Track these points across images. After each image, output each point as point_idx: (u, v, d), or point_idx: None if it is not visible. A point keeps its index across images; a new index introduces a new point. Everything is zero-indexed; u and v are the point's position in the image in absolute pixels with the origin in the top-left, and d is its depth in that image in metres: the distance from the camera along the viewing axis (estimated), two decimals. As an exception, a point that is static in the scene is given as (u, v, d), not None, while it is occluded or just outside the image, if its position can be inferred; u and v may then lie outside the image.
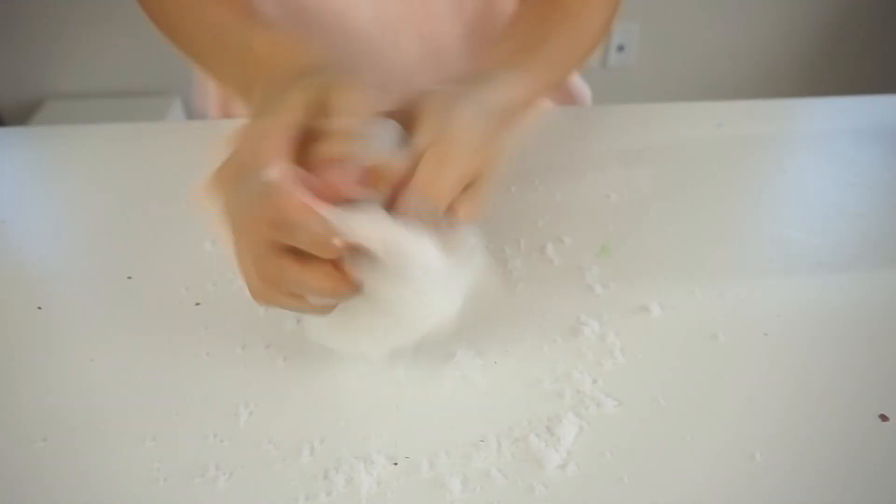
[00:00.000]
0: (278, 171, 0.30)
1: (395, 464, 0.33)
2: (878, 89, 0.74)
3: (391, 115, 0.38)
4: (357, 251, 0.32)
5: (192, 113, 0.61)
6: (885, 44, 1.79)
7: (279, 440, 0.34)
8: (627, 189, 0.53)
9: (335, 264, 0.32)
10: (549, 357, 0.39)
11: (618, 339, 0.40)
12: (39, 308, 0.42)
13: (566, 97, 0.71)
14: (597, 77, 1.80)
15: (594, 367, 0.38)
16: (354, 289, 0.33)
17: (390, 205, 0.33)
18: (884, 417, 0.35)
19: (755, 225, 0.50)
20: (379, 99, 0.39)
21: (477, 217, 0.35)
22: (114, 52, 1.60)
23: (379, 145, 0.34)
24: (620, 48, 1.75)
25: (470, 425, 0.35)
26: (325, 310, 0.35)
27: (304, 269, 0.31)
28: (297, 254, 0.32)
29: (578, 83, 0.72)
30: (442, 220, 0.33)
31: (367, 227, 0.31)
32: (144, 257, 0.47)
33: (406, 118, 0.37)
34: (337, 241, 0.31)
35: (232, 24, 0.43)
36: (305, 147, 0.32)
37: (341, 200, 0.31)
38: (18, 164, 0.59)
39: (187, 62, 0.49)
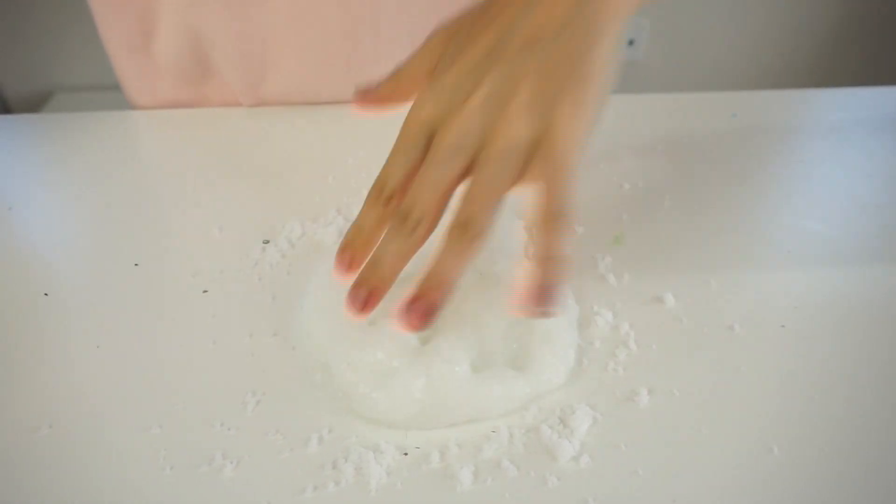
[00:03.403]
0: None
1: (405, 454, 0.32)
2: (896, 81, 0.73)
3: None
4: None
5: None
6: (901, 36, 1.76)
7: (287, 429, 0.34)
8: (641, 179, 0.52)
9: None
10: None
11: (632, 329, 0.39)
12: (46, 294, 0.42)
13: None
14: (606, 71, 1.78)
15: (608, 357, 0.37)
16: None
17: None
18: (905, 411, 0.34)
19: (771, 215, 0.49)
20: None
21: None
22: (123, 45, 1.59)
23: None
24: (630, 42, 1.73)
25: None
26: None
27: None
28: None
29: None
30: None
31: None
32: (151, 244, 0.46)
33: None
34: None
35: None
36: None
37: None
38: (26, 151, 0.59)
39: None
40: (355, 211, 0.47)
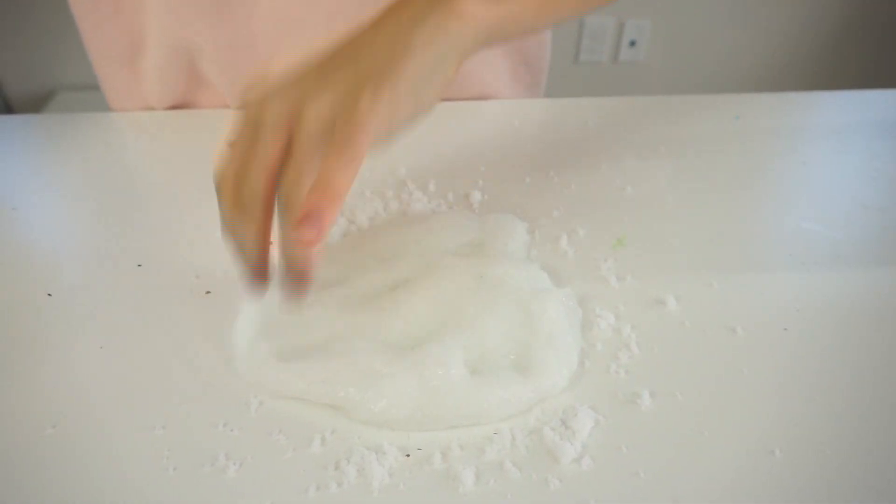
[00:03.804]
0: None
1: (408, 455, 0.32)
2: (899, 83, 0.73)
3: None
4: None
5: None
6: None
7: (290, 430, 0.34)
8: (643, 181, 0.52)
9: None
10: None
11: (633, 332, 0.39)
12: (49, 295, 0.42)
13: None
14: (607, 72, 1.78)
15: (610, 360, 0.37)
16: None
17: None
18: (907, 414, 0.34)
19: (774, 218, 0.49)
20: None
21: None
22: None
23: None
24: (632, 43, 1.74)
25: (483, 417, 0.34)
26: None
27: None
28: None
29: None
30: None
31: None
32: (155, 245, 0.46)
33: None
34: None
35: None
36: None
37: None
38: (29, 152, 0.59)
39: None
40: (357, 212, 0.48)
